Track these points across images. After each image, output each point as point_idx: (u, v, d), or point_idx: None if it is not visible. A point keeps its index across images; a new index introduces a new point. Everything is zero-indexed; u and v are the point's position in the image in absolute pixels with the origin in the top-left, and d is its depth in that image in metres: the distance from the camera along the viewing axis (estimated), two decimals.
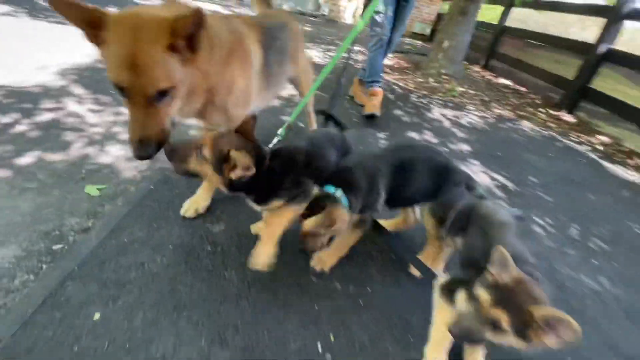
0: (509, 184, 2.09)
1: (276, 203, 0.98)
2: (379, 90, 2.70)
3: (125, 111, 1.29)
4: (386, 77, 4.21)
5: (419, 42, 9.01)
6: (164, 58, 0.77)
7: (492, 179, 2.12)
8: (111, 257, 1.03)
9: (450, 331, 0.76)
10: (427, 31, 9.68)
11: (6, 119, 1.65)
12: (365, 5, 2.33)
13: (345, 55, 1.80)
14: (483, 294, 0.73)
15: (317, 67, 3.93)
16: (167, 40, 0.76)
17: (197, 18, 0.76)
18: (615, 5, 3.81)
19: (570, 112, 4.15)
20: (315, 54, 4.72)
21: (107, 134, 1.72)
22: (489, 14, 7.09)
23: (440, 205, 1.12)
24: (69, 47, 2.76)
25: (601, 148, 3.16)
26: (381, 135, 2.42)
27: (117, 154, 1.59)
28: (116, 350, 0.81)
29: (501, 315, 0.70)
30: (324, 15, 10.17)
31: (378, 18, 2.54)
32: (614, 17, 3.77)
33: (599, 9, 4.21)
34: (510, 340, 0.71)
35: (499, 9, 6.30)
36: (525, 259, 0.84)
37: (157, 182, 1.40)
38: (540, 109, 4.20)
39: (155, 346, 0.83)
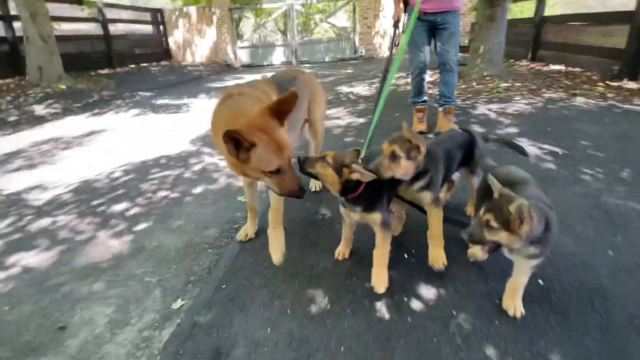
0: (558, 149, 2.33)
1: (377, 215, 1.18)
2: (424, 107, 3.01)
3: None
4: (430, 91, 4.67)
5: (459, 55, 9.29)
6: (284, 131, 1.07)
7: (540, 148, 2.38)
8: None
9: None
10: (466, 42, 9.96)
11: (175, 172, 2.56)
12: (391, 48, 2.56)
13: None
14: (481, 210, 1.02)
15: (366, 99, 4.60)
16: (279, 121, 1.06)
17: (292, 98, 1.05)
18: None
19: (632, 79, 4.05)
20: (361, 88, 5.45)
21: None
22: (527, 8, 7.20)
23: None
24: (189, 126, 3.88)
25: None
26: (430, 135, 2.87)
27: None
28: None
29: (489, 217, 0.96)
30: (362, 56, 11.17)
31: (413, 53, 2.79)
32: None
33: None
34: (502, 235, 0.95)
35: (531, 4, 6.45)
36: (540, 199, 1.06)
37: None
38: (600, 84, 4.17)
39: None
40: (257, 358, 1.00)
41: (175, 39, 11.76)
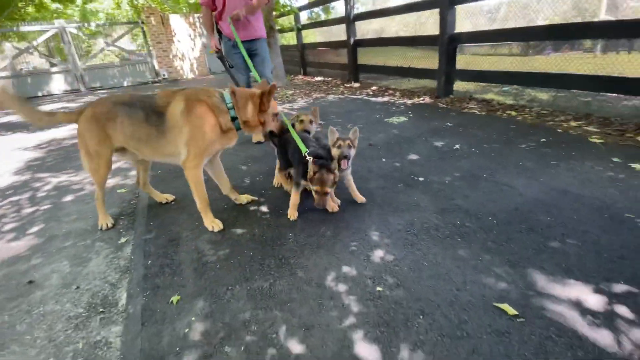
0: (321, 122, 4.03)
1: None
2: None
3: None
4: None
5: None
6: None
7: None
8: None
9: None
10: None
11: (26, 195, 2.63)
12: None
13: None
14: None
15: None
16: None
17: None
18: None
19: (355, 81, 6.73)
20: None
21: None
22: (293, 36, 9.71)
23: None
24: None
25: (371, 93, 5.62)
26: None
27: None
28: None
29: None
30: (165, 78, 11.38)
31: (239, 75, 3.33)
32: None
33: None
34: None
35: (293, 34, 8.92)
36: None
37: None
38: (342, 86, 6.65)
39: None
40: (197, 237, 1.84)
41: None
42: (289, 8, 7.61)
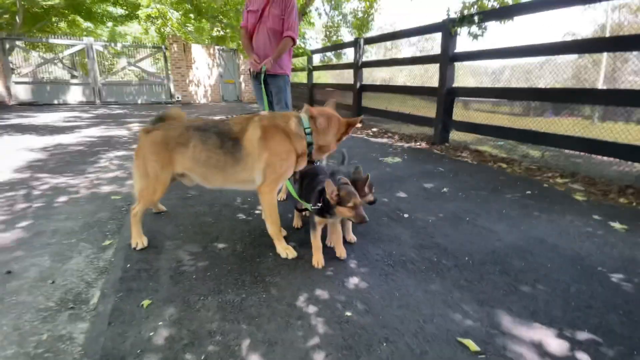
0: None
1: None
2: None
3: None
4: None
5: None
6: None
7: None
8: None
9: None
10: None
11: (20, 192, 2.69)
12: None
13: None
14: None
15: None
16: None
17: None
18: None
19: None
20: None
21: None
22: (303, 75, 10.27)
23: None
24: None
25: (371, 133, 5.85)
26: None
27: None
28: None
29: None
30: (179, 100, 11.88)
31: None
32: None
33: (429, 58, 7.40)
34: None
35: (304, 73, 9.48)
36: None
37: None
38: None
39: None
40: (178, 247, 1.87)
41: None
42: (302, 50, 8.15)
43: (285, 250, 1.77)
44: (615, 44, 3.38)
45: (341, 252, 1.77)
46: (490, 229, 2.11)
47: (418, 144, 4.85)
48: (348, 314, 1.34)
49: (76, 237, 1.99)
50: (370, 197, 1.79)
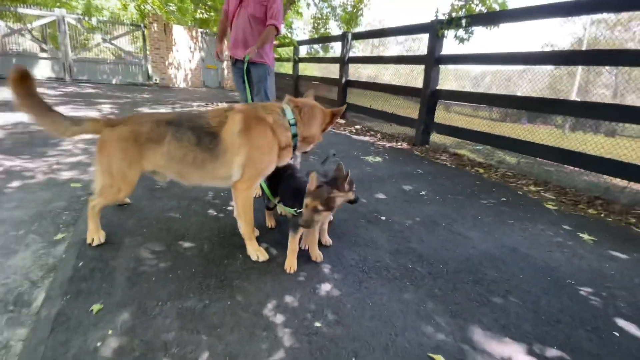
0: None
1: None
2: None
3: None
4: None
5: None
6: None
7: None
8: None
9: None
10: None
11: None
12: None
13: None
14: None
15: None
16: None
17: None
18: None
19: (342, 118, 6.94)
20: (163, 110, 6.05)
21: None
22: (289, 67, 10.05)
23: None
24: None
25: (354, 130, 5.79)
26: None
27: None
28: None
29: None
30: (156, 83, 11.35)
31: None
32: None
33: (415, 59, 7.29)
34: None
35: (290, 64, 9.26)
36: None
37: None
38: None
39: None
40: (139, 244, 1.73)
41: None
42: (289, 40, 7.95)
43: (257, 252, 1.68)
44: (589, 57, 3.47)
45: (317, 255, 1.69)
46: (465, 235, 2.11)
47: (399, 144, 4.84)
48: (317, 324, 1.28)
49: (25, 229, 1.81)
50: (350, 195, 1.72)
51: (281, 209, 1.71)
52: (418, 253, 1.85)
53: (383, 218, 2.27)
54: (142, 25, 11.19)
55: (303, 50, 9.51)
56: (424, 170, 3.52)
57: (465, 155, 4.30)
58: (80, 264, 1.52)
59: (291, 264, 1.60)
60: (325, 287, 1.50)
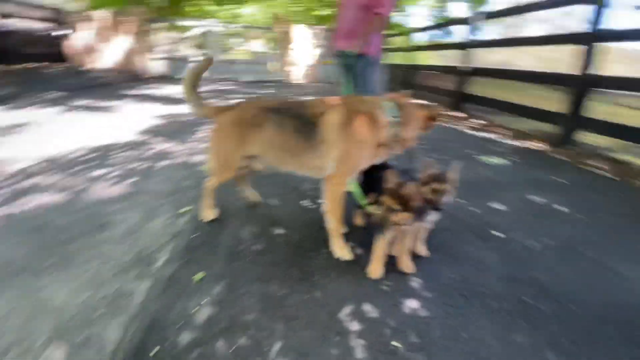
0: None
1: None
2: None
3: None
4: None
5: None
6: None
7: None
8: None
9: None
10: None
11: (135, 152, 3.16)
12: None
13: None
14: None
15: None
16: None
17: None
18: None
19: (457, 110, 6.21)
20: None
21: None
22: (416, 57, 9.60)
23: None
24: (124, 124, 4.33)
25: (472, 126, 5.09)
26: None
27: None
28: None
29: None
30: (280, 80, 12.51)
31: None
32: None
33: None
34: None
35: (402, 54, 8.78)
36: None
37: None
38: (444, 112, 6.21)
39: None
40: (242, 225, 1.90)
41: (74, 42, 11.02)
42: (402, 28, 7.51)
43: (341, 250, 1.62)
44: None
45: (407, 265, 1.53)
46: (618, 271, 1.56)
47: (533, 143, 3.99)
48: (396, 344, 1.13)
49: (163, 200, 2.22)
50: (437, 194, 1.41)
51: (370, 209, 1.59)
52: (542, 285, 1.46)
53: (497, 234, 1.89)
54: (269, 28, 12.48)
55: (421, 38, 8.87)
56: (566, 179, 2.79)
57: (634, 164, 3.23)
58: (193, 235, 1.77)
59: (376, 268, 1.48)
60: (411, 304, 1.33)
